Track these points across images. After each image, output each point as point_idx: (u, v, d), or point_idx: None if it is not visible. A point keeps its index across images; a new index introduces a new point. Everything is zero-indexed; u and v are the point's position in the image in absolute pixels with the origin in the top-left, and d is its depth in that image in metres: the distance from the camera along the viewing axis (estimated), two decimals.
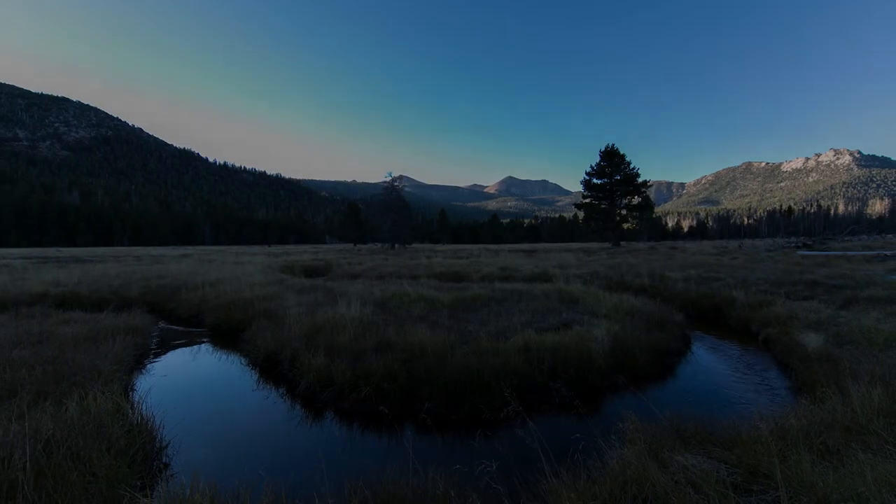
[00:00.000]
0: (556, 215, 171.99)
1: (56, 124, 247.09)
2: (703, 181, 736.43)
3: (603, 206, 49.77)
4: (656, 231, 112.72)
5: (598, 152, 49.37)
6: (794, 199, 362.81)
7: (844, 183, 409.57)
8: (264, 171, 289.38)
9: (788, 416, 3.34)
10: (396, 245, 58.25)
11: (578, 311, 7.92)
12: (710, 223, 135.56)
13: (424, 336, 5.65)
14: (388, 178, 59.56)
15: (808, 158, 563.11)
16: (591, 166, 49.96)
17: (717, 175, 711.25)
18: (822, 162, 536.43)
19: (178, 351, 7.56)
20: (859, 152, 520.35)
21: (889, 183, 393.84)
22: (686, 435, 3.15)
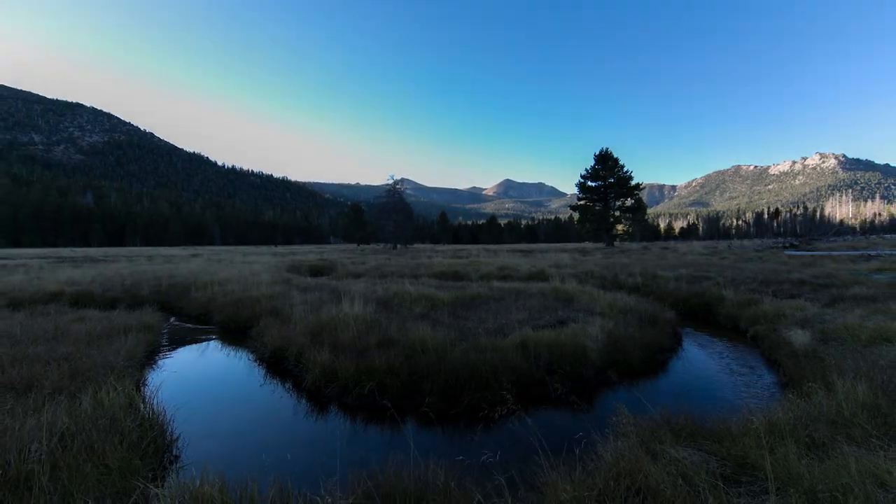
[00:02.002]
0: (552, 217, 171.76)
1: (71, 129, 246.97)
2: (693, 184, 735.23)
3: (597, 208, 49.81)
4: (649, 232, 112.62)
5: (592, 156, 49.40)
6: (781, 201, 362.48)
7: (830, 185, 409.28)
8: (271, 175, 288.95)
9: (776, 410, 3.34)
10: (398, 245, 58.22)
11: (574, 309, 7.92)
12: (701, 224, 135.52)
13: (426, 333, 5.64)
14: (391, 181, 59.52)
15: (794, 162, 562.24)
16: (586, 169, 50.00)
17: (707, 178, 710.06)
18: (808, 165, 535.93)
19: (188, 347, 7.56)
20: (844, 156, 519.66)
21: (872, 186, 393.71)
22: (677, 428, 3.15)
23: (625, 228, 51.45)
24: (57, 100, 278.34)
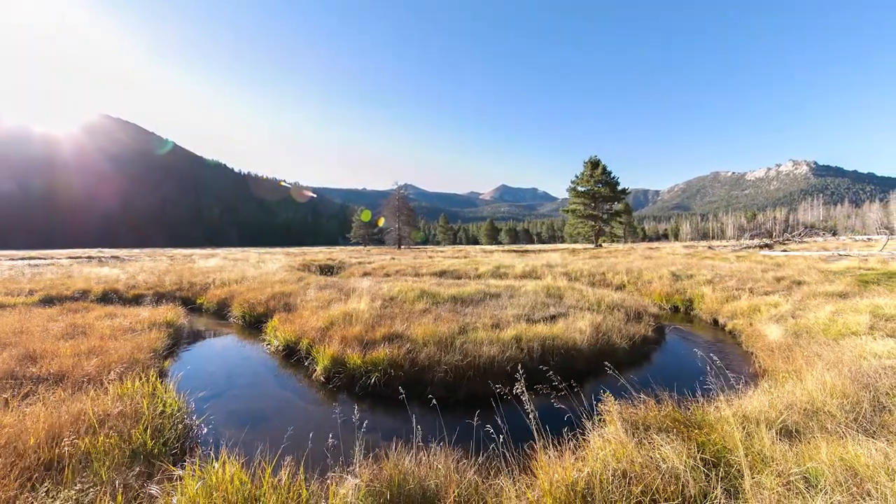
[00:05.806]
0: (546, 219, 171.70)
1: (99, 139, 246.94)
2: (675, 189, 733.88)
3: (587, 211, 49.84)
4: (634, 233, 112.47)
5: (582, 163, 49.50)
6: (757, 204, 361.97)
7: (802, 190, 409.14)
8: (284, 179, 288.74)
9: (751, 399, 3.35)
10: (402, 246, 58.28)
11: (565, 305, 7.92)
12: (682, 226, 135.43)
13: (427, 327, 5.65)
14: (395, 186, 59.76)
15: (769, 168, 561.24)
16: (577, 175, 50.04)
17: (689, 183, 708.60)
18: (782, 171, 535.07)
19: (208, 340, 7.57)
20: (815, 163, 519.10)
21: (841, 190, 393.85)
22: (660, 415, 3.15)
23: (612, 230, 51.47)
24: None
